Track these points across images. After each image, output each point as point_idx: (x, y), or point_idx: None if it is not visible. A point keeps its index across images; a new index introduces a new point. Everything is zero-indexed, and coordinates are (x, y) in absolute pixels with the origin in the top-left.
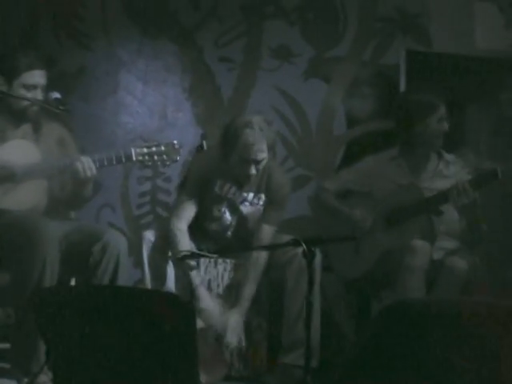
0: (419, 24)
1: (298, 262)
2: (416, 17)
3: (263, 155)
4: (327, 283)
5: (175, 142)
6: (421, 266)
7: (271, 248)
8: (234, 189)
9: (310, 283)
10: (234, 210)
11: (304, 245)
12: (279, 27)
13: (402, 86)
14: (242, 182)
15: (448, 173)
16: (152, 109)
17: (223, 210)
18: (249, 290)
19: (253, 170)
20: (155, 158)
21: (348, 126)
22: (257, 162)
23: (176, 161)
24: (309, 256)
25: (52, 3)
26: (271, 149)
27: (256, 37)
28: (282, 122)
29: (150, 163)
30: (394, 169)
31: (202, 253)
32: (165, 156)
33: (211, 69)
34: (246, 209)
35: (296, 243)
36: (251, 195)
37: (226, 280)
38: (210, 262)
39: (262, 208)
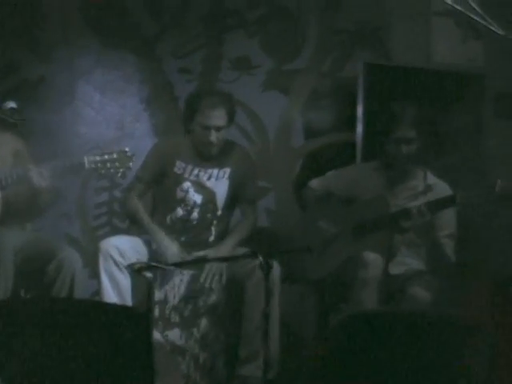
0: (378, 37)
1: (256, 275)
2: (375, 30)
3: (222, 121)
4: (287, 295)
5: (127, 149)
6: (372, 278)
7: (228, 260)
8: (196, 169)
9: (268, 295)
10: (200, 187)
11: (260, 257)
12: (239, 39)
13: (361, 99)
14: (203, 156)
15: (430, 195)
16: (109, 119)
17: (186, 187)
18: (237, 234)
19: (213, 137)
20: (108, 165)
21: (306, 138)
22: (217, 129)
23: (129, 168)
24: (266, 268)
25: (12, 12)
26: (231, 118)
27: (215, 48)
28: (240, 134)
29: (103, 171)
30: (375, 179)
31: (157, 264)
32: (117, 163)
33: (170, 80)
34: (211, 183)
35: (253, 256)
36: (215, 171)
37: (183, 291)
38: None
39: (228, 182)
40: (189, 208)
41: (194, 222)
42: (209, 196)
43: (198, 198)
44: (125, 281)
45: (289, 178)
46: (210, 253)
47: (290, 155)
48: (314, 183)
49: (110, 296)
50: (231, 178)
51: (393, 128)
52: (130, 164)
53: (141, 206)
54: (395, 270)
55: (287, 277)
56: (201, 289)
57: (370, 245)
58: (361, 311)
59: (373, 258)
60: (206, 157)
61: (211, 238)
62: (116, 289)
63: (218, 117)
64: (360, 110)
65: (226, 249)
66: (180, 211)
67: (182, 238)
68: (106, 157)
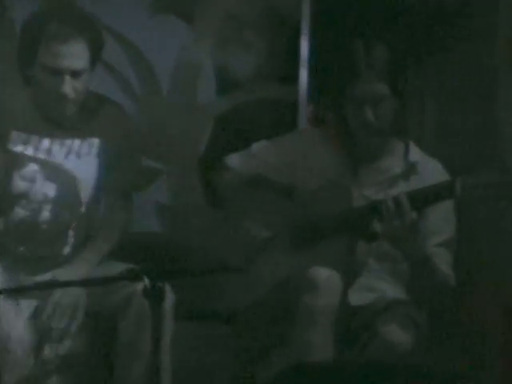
0: None
1: (136, 307)
2: None
3: (81, 62)
4: (187, 338)
5: None
6: (324, 309)
7: (89, 284)
8: (46, 142)
9: (155, 339)
10: (52, 170)
11: (146, 279)
12: None
13: (305, 34)
14: (55, 120)
15: (415, 180)
16: None
17: (30, 173)
18: (103, 244)
19: (67, 88)
20: None
21: (220, 91)
22: (72, 74)
23: None
24: (153, 297)
25: None
26: (95, 57)
27: None
28: (113, 83)
29: None
30: (327, 156)
31: None
32: None
33: None
34: (71, 163)
35: (134, 276)
36: (76, 143)
37: (20, 334)
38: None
39: (97, 160)
40: (35, 206)
41: (44, 227)
42: (67, 183)
43: (49, 189)
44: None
45: (192, 154)
46: (59, 273)
47: (193, 117)
48: (234, 161)
49: None
50: (102, 153)
51: (352, 79)
52: None
53: None
54: (359, 297)
55: (187, 309)
56: (46, 331)
57: (321, 257)
58: (305, 362)
59: (325, 277)
60: (59, 121)
61: (66, 250)
62: None
63: (74, 54)
64: (304, 51)
65: (85, 267)
66: (20, 212)
67: (22, 251)
68: None
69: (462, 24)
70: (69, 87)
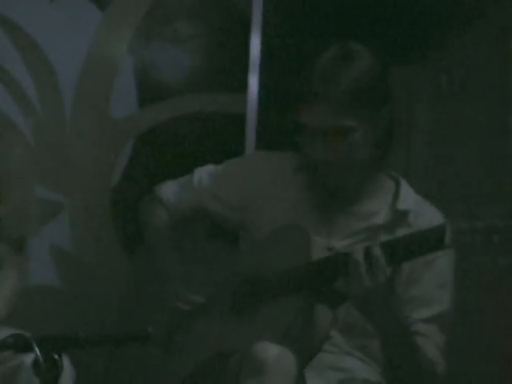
0: None
1: (23, 383)
2: None
3: None
4: None
5: None
6: None
7: None
8: None
9: None
10: None
11: (37, 349)
12: None
13: (257, 30)
14: None
15: (404, 233)
16: None
17: None
18: None
19: None
20: None
21: (142, 102)
22: None
23: None
24: (46, 372)
25: None
26: None
27: None
28: (3, 88)
29: None
30: (289, 193)
31: None
32: None
33: None
34: None
35: (22, 344)
36: None
37: None
38: None
39: None
40: None
41: None
42: None
43: None
44: None
45: (103, 184)
46: None
47: (105, 136)
48: (168, 191)
49: None
50: None
51: (303, 103)
52: None
53: None
54: (320, 380)
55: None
56: None
57: (270, 328)
58: None
59: (274, 355)
60: None
61: None
62: None
63: None
64: (255, 52)
65: None
66: None
67: None
68: None
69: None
70: None
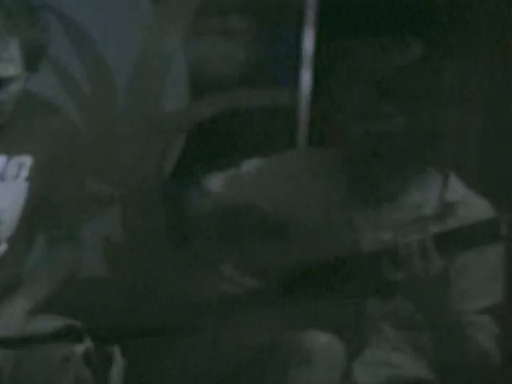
0: None
1: (74, 372)
2: None
3: (12, 68)
4: None
5: None
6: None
7: (18, 343)
8: None
9: None
10: None
11: (88, 339)
12: None
13: (311, 24)
14: None
15: (453, 224)
16: None
17: None
18: (35, 292)
19: None
20: None
21: (194, 96)
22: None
23: None
24: (97, 363)
25: None
26: (36, 56)
27: None
28: (54, 79)
29: None
30: (337, 187)
31: None
32: None
33: None
34: None
35: (73, 335)
36: (2, 161)
37: None
38: None
39: (27, 185)
40: None
41: None
42: None
43: None
44: None
45: (155, 176)
46: None
47: (158, 129)
48: (217, 184)
49: None
50: (34, 176)
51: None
52: None
53: None
54: (367, 374)
55: (142, 380)
56: None
57: (318, 318)
58: None
59: (323, 344)
60: None
61: None
62: None
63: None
64: (308, 46)
65: (7, 321)
66: None
67: None
68: None
69: None
70: None
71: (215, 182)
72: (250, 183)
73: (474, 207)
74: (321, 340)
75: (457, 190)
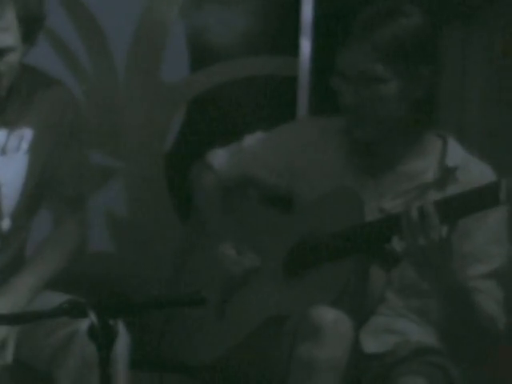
0: None
1: (79, 348)
2: None
3: (8, 37)
4: None
5: None
6: (330, 361)
7: (19, 321)
8: None
9: None
10: None
11: (92, 315)
12: None
13: None
14: None
15: (454, 189)
16: None
17: None
18: (42, 266)
19: None
20: None
21: (194, 66)
22: None
23: None
24: (101, 338)
25: None
26: (33, 27)
27: None
28: (54, 52)
29: None
30: (338, 157)
31: None
32: None
33: None
34: None
35: (77, 310)
36: (1, 135)
37: None
38: None
39: (27, 158)
40: None
41: None
42: None
43: None
44: None
45: (157, 149)
46: None
47: (158, 100)
48: (219, 158)
49: None
50: (35, 148)
51: (342, 46)
52: None
53: None
54: (374, 342)
55: (145, 355)
56: None
57: (324, 290)
58: None
59: (331, 318)
60: None
61: None
62: None
63: None
64: (307, 14)
65: (13, 297)
66: None
67: None
68: None
69: None
70: None
71: (217, 157)
72: (251, 156)
73: (474, 171)
74: (329, 315)
75: (456, 154)
